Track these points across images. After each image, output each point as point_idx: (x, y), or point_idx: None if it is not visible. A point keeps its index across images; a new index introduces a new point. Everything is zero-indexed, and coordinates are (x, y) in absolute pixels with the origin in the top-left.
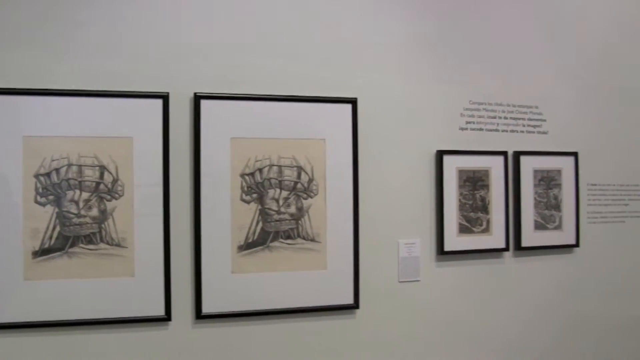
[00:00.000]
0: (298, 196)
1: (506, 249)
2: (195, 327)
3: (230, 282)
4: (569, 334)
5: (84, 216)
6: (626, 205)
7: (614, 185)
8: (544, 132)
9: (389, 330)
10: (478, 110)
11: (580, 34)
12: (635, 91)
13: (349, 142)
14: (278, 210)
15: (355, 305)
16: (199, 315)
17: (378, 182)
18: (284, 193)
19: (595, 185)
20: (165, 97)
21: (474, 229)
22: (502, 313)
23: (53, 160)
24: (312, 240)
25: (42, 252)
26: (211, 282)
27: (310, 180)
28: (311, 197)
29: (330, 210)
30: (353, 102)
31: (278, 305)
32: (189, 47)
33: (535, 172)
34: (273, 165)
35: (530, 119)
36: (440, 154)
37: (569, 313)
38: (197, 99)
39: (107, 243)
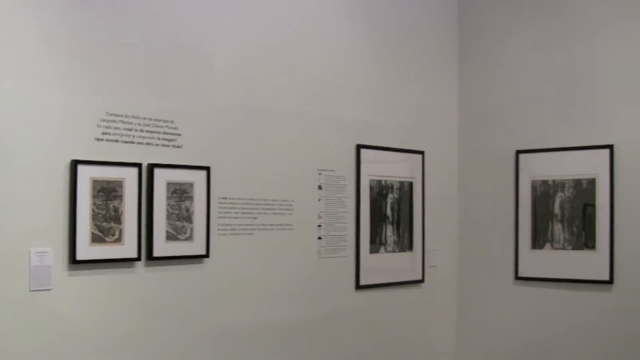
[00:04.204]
0: None
1: (138, 258)
2: None
3: None
4: (204, 342)
5: None
6: (255, 218)
7: (244, 199)
8: (179, 146)
9: (18, 342)
10: (115, 122)
11: (217, 52)
12: (265, 111)
13: None
14: None
15: None
16: None
17: (10, 189)
18: None
19: (226, 199)
20: None
21: (107, 238)
22: (135, 321)
23: None
24: None
25: None
26: None
27: None
28: None
29: None
30: None
31: None
32: None
33: (169, 184)
34: None
35: (165, 133)
36: (74, 164)
37: (201, 321)
38: None
39: None
